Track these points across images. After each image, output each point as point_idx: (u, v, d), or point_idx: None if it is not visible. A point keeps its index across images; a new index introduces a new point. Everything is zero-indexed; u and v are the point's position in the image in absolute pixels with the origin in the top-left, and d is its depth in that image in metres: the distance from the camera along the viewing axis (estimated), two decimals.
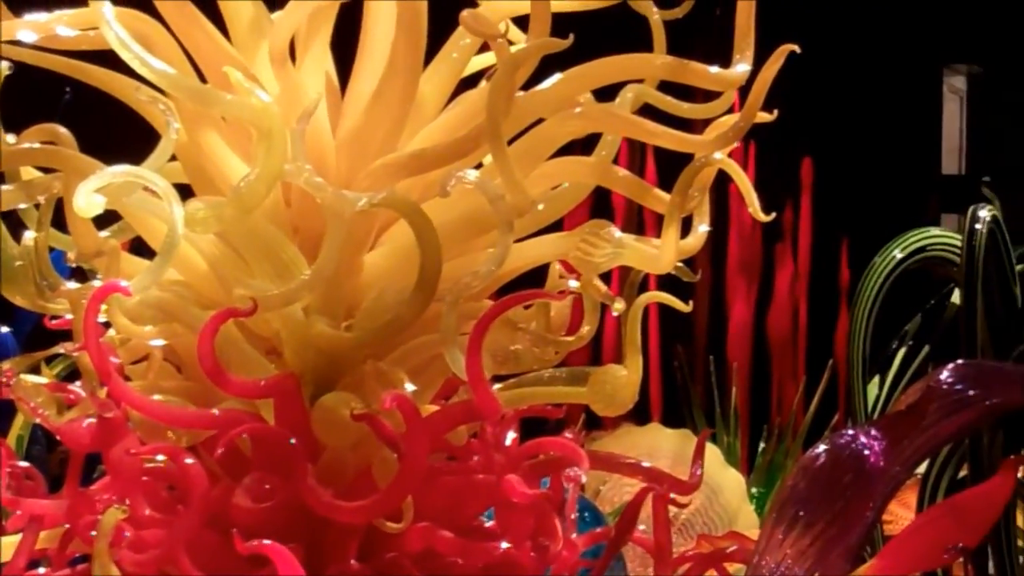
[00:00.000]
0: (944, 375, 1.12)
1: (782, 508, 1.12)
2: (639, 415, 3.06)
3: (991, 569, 1.84)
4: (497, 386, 1.36)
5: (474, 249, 1.32)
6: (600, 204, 2.22)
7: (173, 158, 1.27)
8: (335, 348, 1.27)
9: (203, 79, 1.31)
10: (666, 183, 1.35)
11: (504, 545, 1.27)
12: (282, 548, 1.16)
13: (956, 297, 1.83)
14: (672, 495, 1.39)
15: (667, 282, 1.45)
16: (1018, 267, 1.86)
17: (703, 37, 1.52)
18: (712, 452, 2.82)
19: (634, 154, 3.10)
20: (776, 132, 1.67)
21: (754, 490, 3.08)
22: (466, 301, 1.24)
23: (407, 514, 1.23)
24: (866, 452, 1.09)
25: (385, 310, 1.24)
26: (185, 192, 1.27)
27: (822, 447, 1.12)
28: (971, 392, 1.12)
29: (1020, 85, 7.31)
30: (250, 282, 1.23)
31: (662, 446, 2.76)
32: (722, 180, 1.39)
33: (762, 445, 3.41)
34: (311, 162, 1.22)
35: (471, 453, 1.30)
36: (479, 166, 1.31)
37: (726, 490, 2.75)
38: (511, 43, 1.30)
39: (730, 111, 1.35)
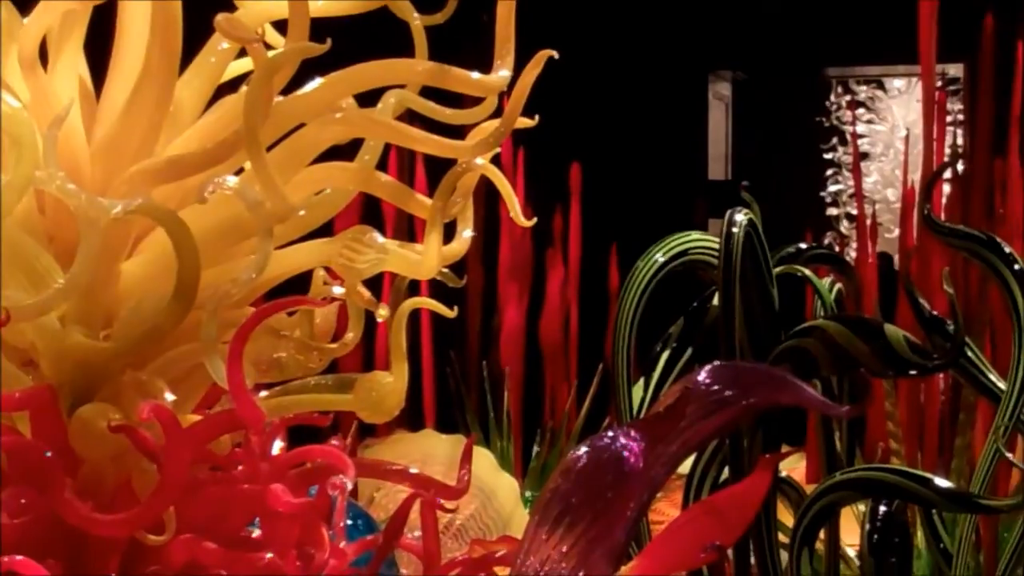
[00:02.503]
0: (701, 376, 1.14)
1: (546, 509, 1.13)
2: (413, 421, 3.06)
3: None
4: (263, 394, 1.34)
5: (235, 256, 1.30)
6: (371, 210, 2.22)
7: None
8: (93, 358, 1.25)
9: None
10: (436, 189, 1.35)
11: (269, 555, 1.25)
12: (33, 563, 1.13)
13: (717, 299, 1.86)
14: (441, 500, 1.39)
15: (439, 287, 1.45)
16: (776, 269, 1.91)
17: (471, 43, 1.53)
18: (485, 457, 2.83)
19: (403, 160, 3.10)
20: (545, 138, 1.69)
21: (528, 493, 3.10)
22: (227, 309, 1.23)
23: (169, 526, 1.21)
24: (625, 453, 1.10)
25: (143, 319, 1.22)
26: None
27: (583, 449, 1.12)
28: (728, 393, 1.14)
29: (784, 91, 7.50)
30: (2, 292, 1.20)
31: (436, 452, 2.77)
32: (493, 185, 1.40)
33: (535, 448, 3.44)
34: (64, 169, 1.19)
35: (235, 463, 1.28)
36: (241, 172, 1.30)
37: (500, 494, 2.77)
38: (269, 47, 1.28)
39: (498, 116, 1.36)
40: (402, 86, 1.36)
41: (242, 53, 1.37)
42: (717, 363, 1.16)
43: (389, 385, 1.35)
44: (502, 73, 1.33)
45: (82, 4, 1.29)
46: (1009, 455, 2.06)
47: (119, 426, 1.19)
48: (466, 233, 1.39)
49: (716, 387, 1.14)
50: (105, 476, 1.25)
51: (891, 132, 8.08)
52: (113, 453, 1.23)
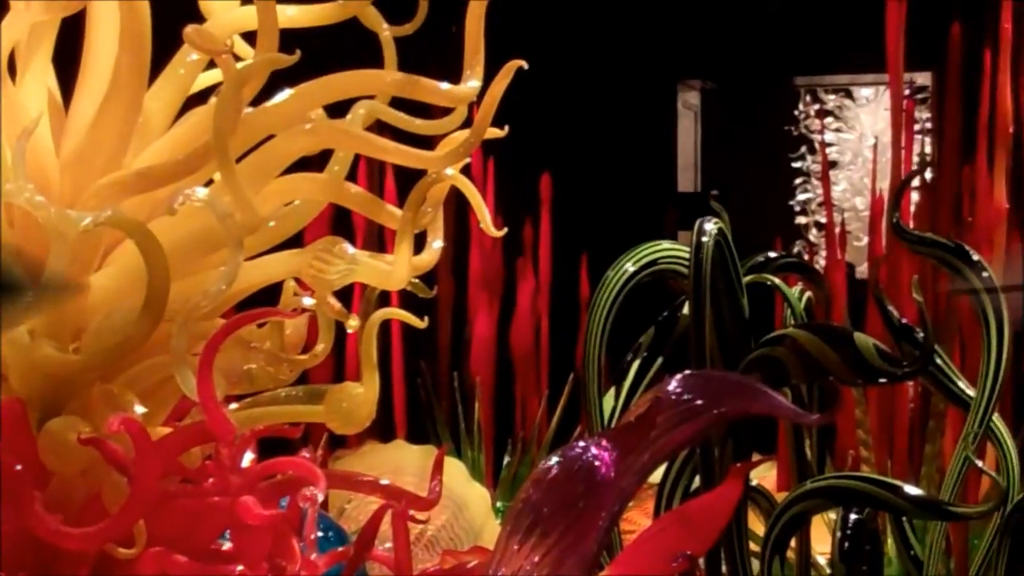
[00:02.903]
0: (672, 385, 1.14)
1: (517, 519, 1.12)
2: (384, 432, 3.05)
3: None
4: (233, 406, 1.34)
5: (205, 268, 1.30)
6: (341, 221, 2.22)
7: None
8: (62, 371, 1.24)
9: None
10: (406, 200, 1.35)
11: (240, 568, 1.25)
12: None
13: (688, 309, 1.86)
14: (412, 511, 1.38)
15: (410, 298, 1.45)
16: (746, 279, 1.91)
17: (440, 54, 1.53)
18: (457, 467, 2.82)
19: (373, 170, 3.09)
20: (515, 148, 1.69)
21: (499, 504, 3.09)
22: (197, 321, 1.23)
23: (139, 539, 1.20)
24: (597, 463, 1.10)
25: (113, 332, 1.22)
26: None
27: (555, 459, 1.12)
28: (699, 402, 1.14)
29: (753, 100, 7.52)
30: None
31: (407, 463, 2.76)
32: (463, 195, 1.40)
33: (507, 459, 3.43)
34: (33, 181, 1.19)
35: (206, 475, 1.28)
36: (210, 183, 1.30)
37: (471, 505, 2.76)
38: (238, 59, 1.28)
39: (468, 126, 1.36)
40: (372, 97, 1.36)
41: (211, 64, 1.37)
42: (688, 372, 1.17)
43: (360, 396, 1.35)
44: (471, 83, 1.33)
45: (50, 16, 1.28)
46: (979, 462, 2.06)
47: (89, 439, 1.19)
48: (436, 244, 1.39)
49: (687, 396, 1.14)
50: (75, 489, 1.25)
51: (859, 141, 8.09)
52: (83, 466, 1.23)
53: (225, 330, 1.22)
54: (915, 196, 3.44)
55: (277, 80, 1.31)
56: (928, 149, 3.70)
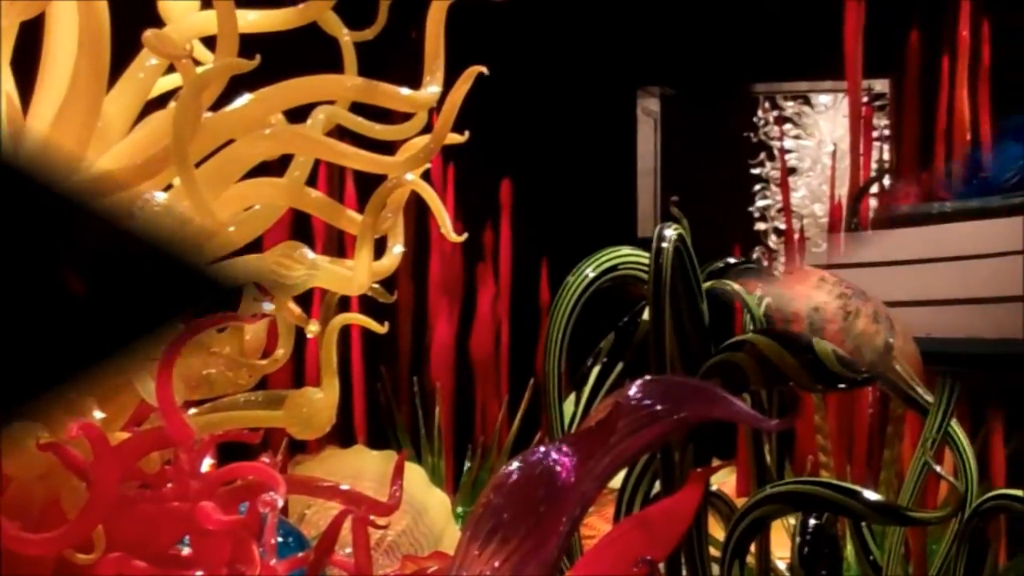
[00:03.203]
0: (632, 391, 1.14)
1: (478, 524, 1.12)
2: (344, 437, 3.05)
3: None
4: (192, 411, 1.34)
5: None
6: (301, 226, 2.21)
7: None
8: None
9: None
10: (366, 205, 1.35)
11: (199, 573, 1.25)
12: None
13: (648, 314, 1.87)
14: (372, 517, 1.38)
15: (370, 303, 1.45)
16: (706, 284, 1.91)
17: (400, 59, 1.53)
18: (417, 473, 2.82)
19: (333, 175, 3.09)
20: (475, 153, 1.69)
21: (460, 509, 3.09)
22: None
23: (98, 544, 1.20)
24: (557, 468, 1.10)
25: None
26: None
27: (515, 464, 1.12)
28: (659, 407, 1.14)
29: (712, 106, 7.54)
30: None
31: (367, 468, 2.76)
32: (423, 200, 1.40)
33: (467, 464, 3.43)
34: None
35: (165, 480, 1.27)
36: (170, 188, 1.29)
37: (431, 510, 2.76)
38: (198, 63, 1.28)
39: (429, 131, 1.36)
40: (332, 102, 1.36)
41: (171, 69, 1.36)
42: (648, 377, 1.17)
43: (320, 401, 1.34)
44: (432, 89, 1.34)
45: (9, 21, 1.28)
46: (937, 467, 2.07)
47: (47, 444, 1.19)
48: (396, 249, 1.39)
49: (647, 401, 1.14)
50: (33, 495, 1.24)
51: (818, 147, 8.11)
52: (41, 471, 1.22)
53: (185, 335, 1.22)
54: (873, 202, 3.46)
55: (237, 85, 1.31)
56: (886, 156, 3.72)
